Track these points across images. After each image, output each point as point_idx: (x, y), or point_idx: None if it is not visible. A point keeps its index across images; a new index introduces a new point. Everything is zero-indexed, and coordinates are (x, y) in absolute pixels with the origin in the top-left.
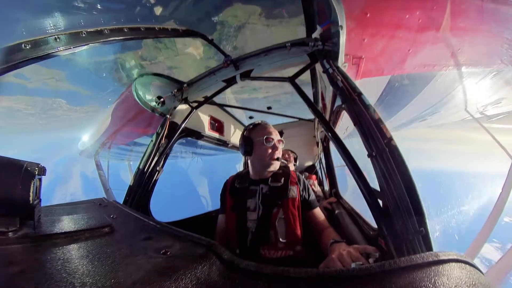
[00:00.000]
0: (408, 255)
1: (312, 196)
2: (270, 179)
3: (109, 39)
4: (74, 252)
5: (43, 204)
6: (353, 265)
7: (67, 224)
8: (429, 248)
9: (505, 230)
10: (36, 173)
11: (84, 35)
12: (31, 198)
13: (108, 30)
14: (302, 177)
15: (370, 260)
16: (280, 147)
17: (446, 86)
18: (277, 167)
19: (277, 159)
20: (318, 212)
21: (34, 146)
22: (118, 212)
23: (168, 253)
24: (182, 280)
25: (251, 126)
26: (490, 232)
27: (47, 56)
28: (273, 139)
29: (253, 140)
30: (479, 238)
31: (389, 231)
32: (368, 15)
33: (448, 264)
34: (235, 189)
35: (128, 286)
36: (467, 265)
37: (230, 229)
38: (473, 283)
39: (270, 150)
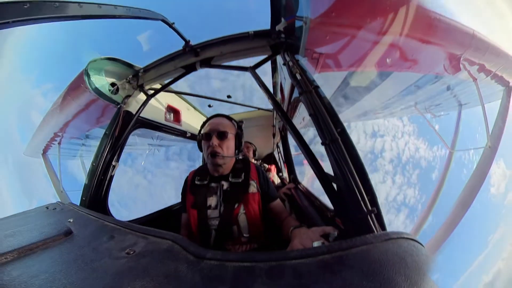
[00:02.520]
0: (363, 232)
1: (272, 189)
2: (230, 174)
3: (59, 15)
4: (33, 267)
5: None
6: (314, 244)
7: (19, 237)
8: (381, 224)
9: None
10: None
11: (26, 7)
12: None
13: (58, 4)
14: (261, 169)
15: (330, 239)
16: (223, 142)
17: (398, 85)
18: (219, 162)
19: (211, 154)
20: (278, 203)
21: None
22: (75, 215)
23: (133, 252)
24: (151, 278)
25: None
26: (432, 209)
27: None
28: (210, 135)
29: (201, 135)
30: (423, 215)
31: (344, 212)
32: (334, 14)
33: (396, 240)
34: (195, 186)
35: None
36: (411, 241)
37: (193, 226)
38: (416, 254)
39: (206, 146)
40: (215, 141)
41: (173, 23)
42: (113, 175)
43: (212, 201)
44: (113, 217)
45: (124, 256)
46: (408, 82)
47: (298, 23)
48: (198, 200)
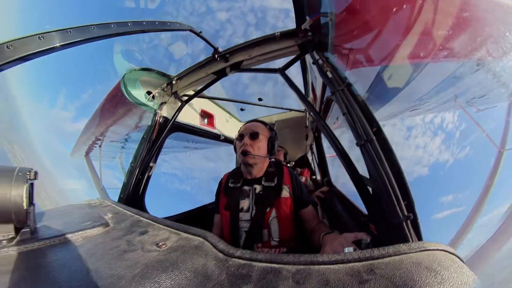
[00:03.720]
0: (397, 239)
1: (305, 194)
2: (263, 178)
3: (96, 36)
4: (72, 253)
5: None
6: (345, 250)
7: (63, 226)
8: (417, 232)
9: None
10: (28, 177)
11: (69, 33)
12: (24, 204)
13: (94, 27)
14: (295, 174)
15: (362, 246)
16: (255, 142)
17: (435, 77)
18: (250, 161)
19: (243, 153)
20: (310, 209)
21: None
22: (113, 210)
23: (164, 246)
24: (180, 271)
25: None
26: (473, 224)
27: (33, 56)
28: (243, 135)
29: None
30: (463, 228)
31: (379, 217)
32: (358, 6)
33: (432, 252)
34: (229, 189)
35: (128, 280)
36: (449, 254)
37: (224, 228)
38: (454, 269)
39: (239, 146)
40: (247, 140)
41: (201, 32)
42: (151, 175)
43: (244, 204)
44: (148, 213)
45: (156, 249)
46: (446, 73)
47: (323, 20)
48: (231, 202)
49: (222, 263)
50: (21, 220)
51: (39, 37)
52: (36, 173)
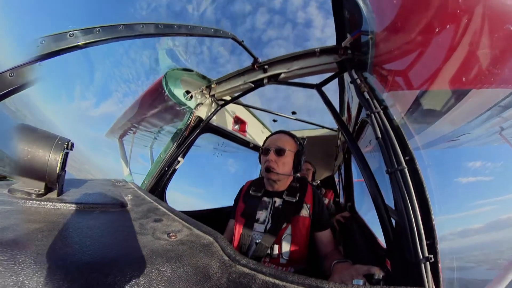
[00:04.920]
0: (412, 281)
1: (325, 217)
2: (285, 192)
3: (144, 33)
4: (88, 221)
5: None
6: (354, 282)
7: (86, 196)
8: (436, 277)
9: None
10: (65, 147)
11: (121, 28)
12: (58, 168)
13: (143, 25)
14: (318, 194)
15: (373, 281)
16: (281, 158)
17: (478, 106)
18: (273, 178)
19: (266, 170)
20: (327, 234)
21: None
22: (134, 193)
23: (175, 237)
24: (182, 264)
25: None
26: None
27: (90, 44)
28: (268, 150)
29: (260, 149)
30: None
31: (397, 253)
32: (399, 25)
33: None
34: (249, 196)
35: (131, 260)
36: None
37: (236, 234)
38: None
39: (264, 161)
40: (272, 156)
41: (243, 41)
42: (177, 169)
43: (261, 215)
44: (167, 203)
45: (165, 238)
46: (491, 102)
47: (364, 38)
48: (248, 210)
49: (226, 267)
50: (52, 182)
51: (69, 35)
52: (72, 144)
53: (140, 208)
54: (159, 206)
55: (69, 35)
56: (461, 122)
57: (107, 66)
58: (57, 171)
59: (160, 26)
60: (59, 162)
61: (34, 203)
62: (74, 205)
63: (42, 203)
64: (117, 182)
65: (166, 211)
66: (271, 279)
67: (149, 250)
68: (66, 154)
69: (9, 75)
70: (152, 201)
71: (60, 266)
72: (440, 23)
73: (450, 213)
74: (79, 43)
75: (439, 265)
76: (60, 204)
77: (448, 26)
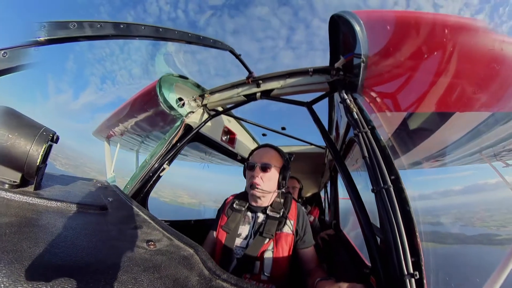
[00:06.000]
0: None
1: (308, 235)
2: (269, 207)
3: (144, 34)
4: (64, 220)
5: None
6: None
7: (65, 193)
8: None
9: None
10: (49, 139)
11: (123, 27)
12: (38, 160)
13: (144, 27)
14: (302, 211)
15: None
16: (266, 174)
17: (461, 128)
18: (258, 194)
19: (251, 186)
20: (310, 251)
21: None
22: (115, 196)
23: (153, 246)
24: (160, 276)
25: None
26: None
27: (90, 38)
28: (254, 165)
29: (246, 163)
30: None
31: (382, 270)
32: (391, 50)
33: None
34: (232, 209)
35: (106, 267)
36: None
37: (217, 249)
38: None
39: (249, 176)
40: (257, 173)
41: (240, 55)
42: (161, 175)
43: (243, 230)
44: (148, 211)
45: (144, 247)
46: (473, 124)
47: (356, 61)
48: (231, 224)
49: (205, 282)
50: (30, 174)
51: (72, 25)
52: (58, 137)
53: (121, 212)
54: (140, 213)
55: (71, 25)
56: (445, 143)
57: (76, 51)
58: (37, 163)
59: (161, 30)
60: (40, 154)
61: (7, 195)
62: (50, 202)
63: (16, 195)
64: (99, 183)
65: (147, 218)
66: None
67: (126, 257)
68: (50, 146)
69: (2, 55)
70: (133, 206)
71: (26, 266)
72: (428, 50)
73: (436, 174)
74: (79, 35)
75: (424, 281)
76: (35, 199)
77: (435, 53)
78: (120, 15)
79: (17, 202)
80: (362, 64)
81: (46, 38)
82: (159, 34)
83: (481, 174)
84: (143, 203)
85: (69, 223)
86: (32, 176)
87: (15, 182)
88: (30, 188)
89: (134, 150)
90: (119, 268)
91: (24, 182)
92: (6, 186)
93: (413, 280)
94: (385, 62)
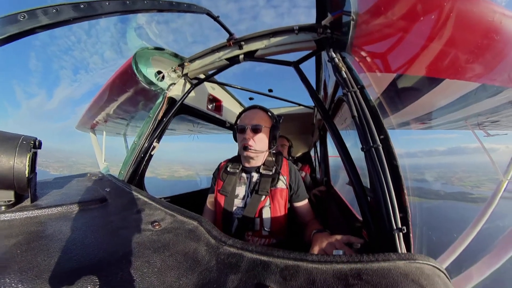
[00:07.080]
0: (387, 249)
1: (302, 188)
2: (261, 166)
3: (109, 11)
4: (69, 224)
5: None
6: (335, 252)
7: (63, 196)
8: (408, 246)
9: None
10: (32, 146)
11: (83, 7)
12: (26, 172)
13: (109, 2)
14: (294, 167)
15: (353, 249)
16: (257, 135)
17: (449, 95)
18: (251, 155)
19: (244, 148)
20: (305, 204)
21: None
22: (112, 185)
23: (159, 226)
24: (171, 253)
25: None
26: (467, 241)
27: (49, 26)
28: (244, 128)
29: (236, 127)
30: (456, 245)
31: (373, 225)
32: (382, 9)
33: (420, 265)
34: (227, 173)
35: (119, 257)
36: (436, 270)
37: (218, 213)
38: (439, 285)
39: (240, 139)
40: (248, 134)
41: (218, 16)
42: (153, 154)
43: (240, 190)
44: (147, 192)
45: (150, 229)
46: (462, 92)
47: (345, 18)
48: (227, 187)
49: (213, 250)
50: (22, 188)
51: (53, 9)
52: (40, 142)
53: (120, 200)
54: (140, 196)
55: (21, 17)
56: (432, 107)
57: (36, 46)
58: (26, 175)
59: (128, 2)
60: (26, 165)
61: (6, 216)
62: (51, 209)
63: (15, 213)
64: (93, 176)
65: (147, 200)
66: (258, 256)
67: (135, 243)
68: (35, 153)
69: None
70: (131, 191)
71: (47, 279)
72: (423, 11)
73: (422, 135)
74: (33, 26)
75: (411, 235)
76: (35, 211)
77: (430, 15)
78: None
79: (18, 220)
80: (351, 22)
81: (30, 27)
82: (127, 7)
83: (464, 138)
84: (140, 185)
85: (74, 224)
86: (25, 189)
87: (10, 201)
88: (27, 202)
89: (121, 134)
90: (131, 255)
91: (19, 198)
92: (3, 208)
93: (401, 234)
94: (376, 20)
